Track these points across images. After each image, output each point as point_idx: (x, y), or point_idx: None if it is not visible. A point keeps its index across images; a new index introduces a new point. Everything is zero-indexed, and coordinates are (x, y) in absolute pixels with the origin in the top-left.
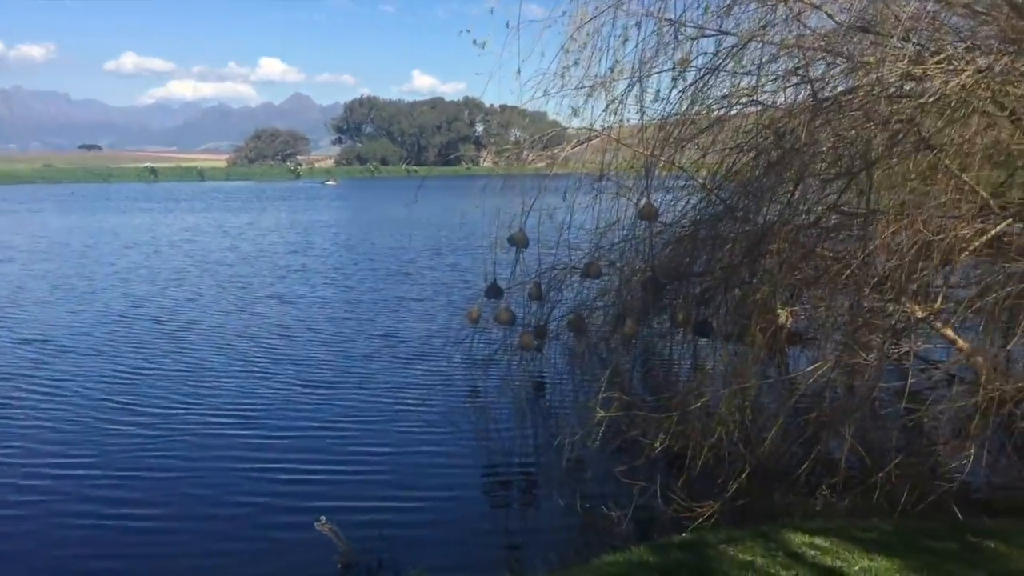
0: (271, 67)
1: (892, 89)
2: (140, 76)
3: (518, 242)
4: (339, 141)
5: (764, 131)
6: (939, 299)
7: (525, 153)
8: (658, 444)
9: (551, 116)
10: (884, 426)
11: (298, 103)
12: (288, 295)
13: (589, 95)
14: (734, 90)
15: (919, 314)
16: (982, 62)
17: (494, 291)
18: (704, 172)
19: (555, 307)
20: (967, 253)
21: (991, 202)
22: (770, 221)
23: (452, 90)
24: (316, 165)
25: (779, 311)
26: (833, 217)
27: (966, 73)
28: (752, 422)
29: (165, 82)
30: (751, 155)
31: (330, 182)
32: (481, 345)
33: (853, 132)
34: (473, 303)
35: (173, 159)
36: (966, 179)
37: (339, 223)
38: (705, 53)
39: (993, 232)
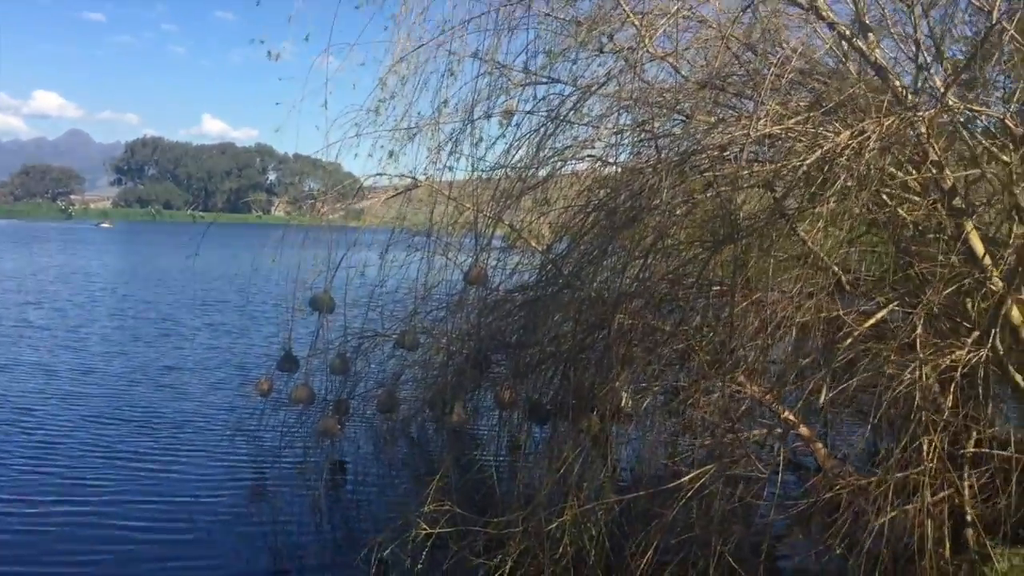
0: (46, 101)
1: (747, 152)
2: None
3: (322, 305)
4: (119, 182)
5: (611, 191)
6: (781, 380)
7: (323, 204)
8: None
9: (364, 158)
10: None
11: (75, 140)
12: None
13: (410, 137)
14: (573, 143)
15: (757, 395)
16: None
17: (288, 363)
18: (546, 232)
19: (361, 380)
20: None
21: (843, 279)
22: (617, 293)
23: (244, 136)
24: (91, 206)
25: (623, 391)
26: (683, 290)
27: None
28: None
29: None
30: (596, 216)
31: (104, 224)
32: (273, 427)
33: (710, 196)
34: (264, 374)
35: None
36: (818, 252)
37: (101, 271)
38: (541, 100)
39: (835, 313)
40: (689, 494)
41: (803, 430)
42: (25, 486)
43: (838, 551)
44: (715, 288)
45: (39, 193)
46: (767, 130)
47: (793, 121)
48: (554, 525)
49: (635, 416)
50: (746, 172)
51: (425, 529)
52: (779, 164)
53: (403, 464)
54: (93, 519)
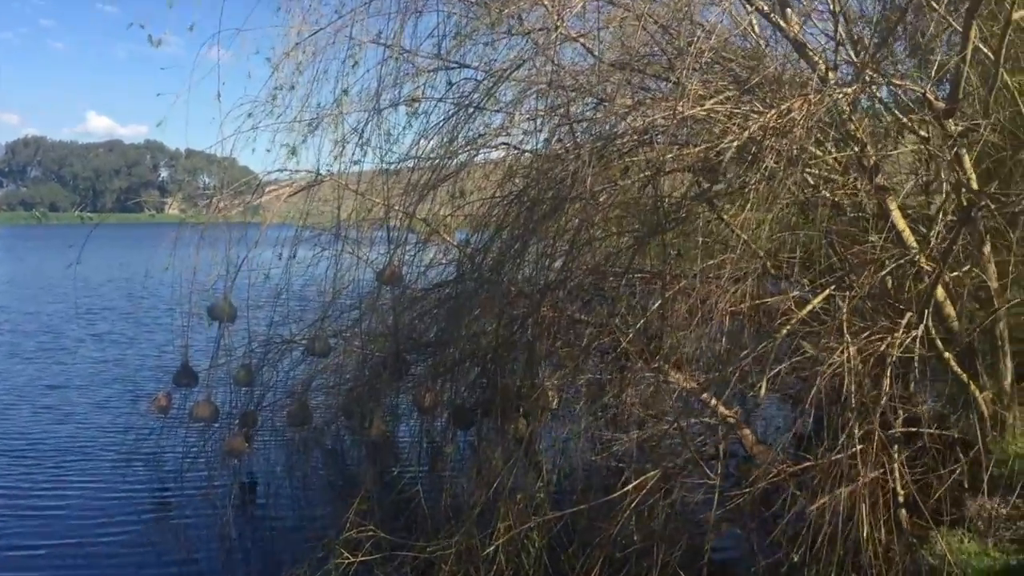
0: None
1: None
2: None
3: (222, 315)
4: (0, 185)
5: (530, 180)
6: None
7: (219, 201)
8: None
9: (262, 153)
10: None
11: None
12: None
13: (311, 130)
14: (486, 131)
15: (684, 385)
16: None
17: (186, 376)
18: (463, 225)
19: (269, 391)
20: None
21: (768, 264)
22: (541, 286)
23: (132, 133)
24: None
25: (548, 389)
26: (609, 281)
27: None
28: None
29: None
30: (515, 207)
31: None
32: (172, 447)
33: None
34: (161, 388)
35: None
36: (743, 237)
37: None
38: (451, 87)
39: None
40: (634, 502)
41: (731, 418)
42: None
43: (776, 541)
44: (639, 276)
45: None
46: (692, 111)
47: (715, 101)
48: (490, 548)
49: (560, 414)
50: (670, 156)
51: (347, 559)
52: (704, 147)
53: (319, 479)
54: None
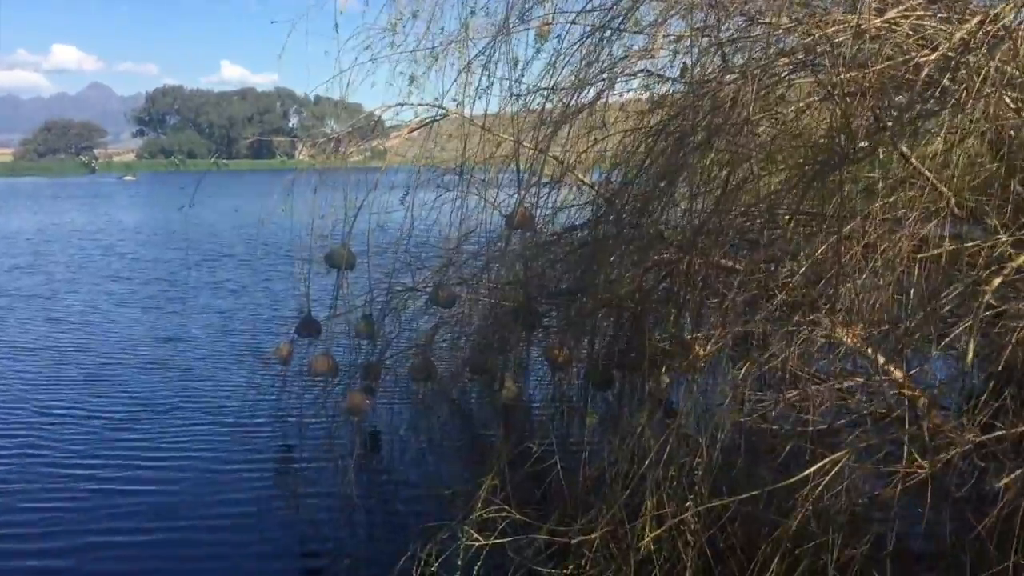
0: (65, 55)
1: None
2: None
3: (340, 261)
4: (141, 133)
5: (678, 109)
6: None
7: (343, 145)
8: None
9: (380, 98)
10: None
11: (96, 93)
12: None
13: (434, 60)
14: (627, 55)
15: (850, 340)
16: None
17: (308, 327)
18: (600, 163)
19: (391, 343)
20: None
21: (951, 202)
22: (691, 230)
23: (264, 81)
24: (115, 159)
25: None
26: (767, 224)
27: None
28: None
29: None
30: (663, 141)
31: (128, 177)
32: (294, 400)
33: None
34: (281, 340)
35: None
36: (926, 172)
37: (111, 227)
38: (585, 9)
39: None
40: (817, 488)
41: (900, 378)
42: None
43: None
44: (802, 218)
45: (62, 149)
46: (874, 22)
47: (897, 12)
48: (642, 541)
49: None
50: (845, 77)
51: (477, 540)
52: (885, 65)
53: (445, 435)
54: (109, 510)
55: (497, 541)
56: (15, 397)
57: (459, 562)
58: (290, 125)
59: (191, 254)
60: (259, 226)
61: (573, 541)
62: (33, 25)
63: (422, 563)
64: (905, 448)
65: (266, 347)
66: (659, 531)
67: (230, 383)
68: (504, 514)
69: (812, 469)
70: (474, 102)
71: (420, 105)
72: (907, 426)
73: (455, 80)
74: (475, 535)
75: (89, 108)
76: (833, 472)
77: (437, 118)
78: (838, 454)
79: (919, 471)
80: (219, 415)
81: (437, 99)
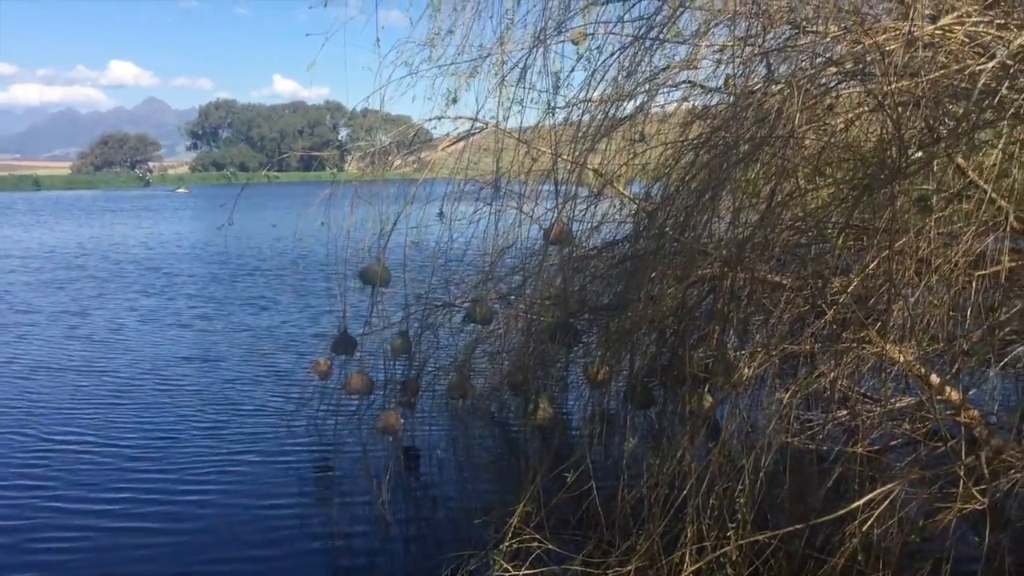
0: (122, 70)
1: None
2: None
3: (375, 278)
4: (195, 147)
5: (722, 121)
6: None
7: (390, 157)
8: None
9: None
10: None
11: (152, 108)
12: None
13: (471, 74)
14: (669, 65)
15: (901, 358)
16: None
17: (344, 344)
18: (641, 176)
19: (428, 360)
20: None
21: (1010, 215)
22: (735, 244)
23: (315, 95)
24: (169, 171)
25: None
26: (814, 238)
27: None
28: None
29: (7, 86)
30: (706, 153)
31: (180, 190)
32: (330, 417)
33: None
34: (320, 355)
35: (16, 167)
36: (983, 185)
37: (147, 239)
38: (625, 18)
39: None
40: (867, 522)
41: (955, 400)
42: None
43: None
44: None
45: (118, 162)
46: (927, 29)
47: (952, 19)
48: (688, 572)
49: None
50: (897, 87)
51: (507, 571)
52: (939, 74)
53: (483, 449)
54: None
55: (528, 573)
56: (19, 421)
57: None
58: (339, 137)
59: (225, 268)
60: (297, 241)
61: (609, 573)
62: (92, 41)
63: None
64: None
65: (302, 365)
66: (699, 563)
67: (262, 402)
68: (536, 543)
69: (862, 501)
70: (509, 113)
71: (458, 118)
72: (963, 452)
73: (492, 93)
74: (506, 566)
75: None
76: (885, 504)
77: (474, 132)
78: (890, 485)
79: (976, 502)
80: (255, 433)
81: (476, 113)
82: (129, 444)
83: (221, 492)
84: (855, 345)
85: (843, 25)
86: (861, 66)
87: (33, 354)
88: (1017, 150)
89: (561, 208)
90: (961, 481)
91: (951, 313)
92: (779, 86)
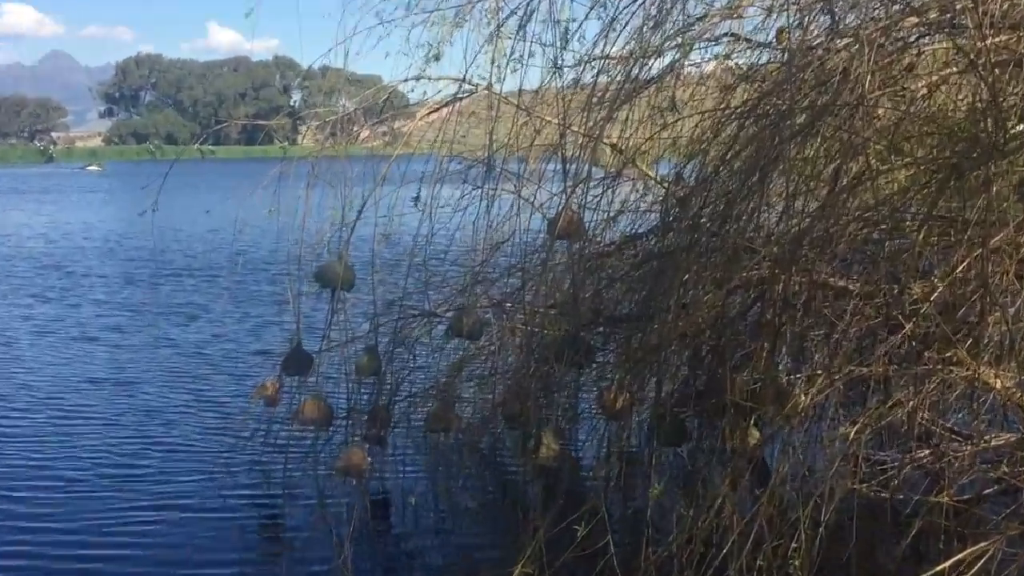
0: (20, 16)
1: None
2: None
3: (335, 280)
4: (109, 113)
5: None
6: None
7: (356, 127)
8: None
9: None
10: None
11: (57, 64)
12: None
13: (458, 22)
14: (704, 16)
15: (995, 384)
16: None
17: (296, 362)
18: (671, 153)
19: (403, 383)
20: None
21: None
22: (790, 240)
23: (261, 48)
24: (77, 144)
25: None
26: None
27: None
28: None
29: None
30: (751, 124)
31: (92, 167)
32: (280, 451)
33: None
34: (266, 375)
35: None
36: None
37: (52, 232)
38: None
39: None
40: None
41: None
42: None
43: None
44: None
45: (13, 132)
46: None
47: None
48: None
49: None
50: (994, 42)
51: None
52: None
53: (469, 498)
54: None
55: None
56: None
57: None
58: (291, 103)
59: (145, 267)
60: (237, 233)
61: None
62: None
63: None
64: None
65: (242, 389)
66: None
67: (191, 438)
68: None
69: (948, 563)
70: (505, 75)
71: (441, 79)
72: None
73: (481, 48)
74: None
75: (48, 82)
76: (978, 566)
77: (461, 96)
78: (983, 544)
79: None
80: (182, 479)
81: (463, 72)
82: (18, 495)
83: (138, 557)
84: (940, 367)
85: None
86: (949, 16)
87: None
88: None
89: (570, 193)
90: None
91: None
92: (845, 40)
